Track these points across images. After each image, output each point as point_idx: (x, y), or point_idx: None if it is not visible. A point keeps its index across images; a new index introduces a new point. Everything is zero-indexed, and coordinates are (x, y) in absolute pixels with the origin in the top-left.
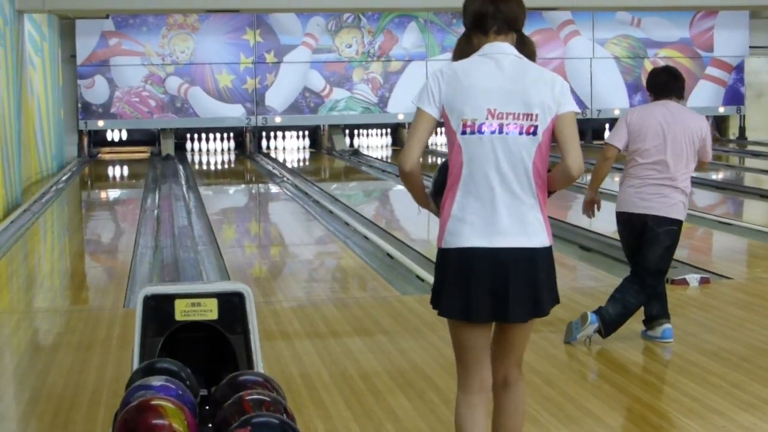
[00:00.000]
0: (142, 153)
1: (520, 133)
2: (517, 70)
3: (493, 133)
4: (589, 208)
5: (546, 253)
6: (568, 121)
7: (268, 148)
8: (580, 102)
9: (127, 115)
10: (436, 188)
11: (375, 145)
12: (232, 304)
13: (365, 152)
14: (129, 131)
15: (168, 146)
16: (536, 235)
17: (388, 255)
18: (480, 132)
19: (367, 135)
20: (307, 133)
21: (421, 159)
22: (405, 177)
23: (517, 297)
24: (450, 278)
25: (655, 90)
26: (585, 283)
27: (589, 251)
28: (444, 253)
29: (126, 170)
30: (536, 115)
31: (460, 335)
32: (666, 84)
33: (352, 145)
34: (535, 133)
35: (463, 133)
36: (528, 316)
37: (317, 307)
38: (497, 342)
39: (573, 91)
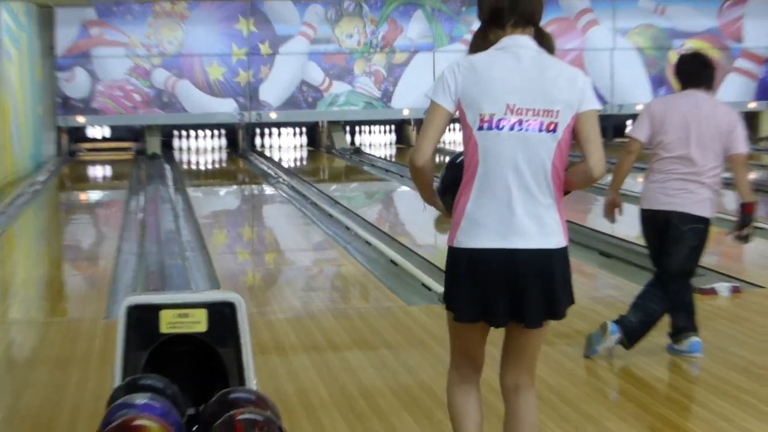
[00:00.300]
0: (125, 151)
1: (540, 130)
2: (538, 64)
3: (511, 129)
4: (611, 211)
5: (562, 253)
6: (590, 119)
7: (262, 146)
8: (599, 97)
9: (110, 110)
10: (444, 185)
11: (378, 142)
12: (222, 315)
13: (367, 151)
14: (112, 128)
15: (154, 144)
16: (553, 236)
17: (392, 262)
18: (498, 128)
19: (370, 132)
20: (304, 130)
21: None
22: (416, 173)
23: (534, 300)
24: (463, 281)
25: (683, 78)
26: (606, 293)
27: (611, 258)
28: (455, 253)
29: (108, 170)
30: (557, 112)
31: (462, 332)
32: (695, 72)
33: (353, 143)
34: (555, 131)
35: (480, 128)
36: (543, 318)
37: (315, 319)
38: (508, 346)
39: (594, 86)
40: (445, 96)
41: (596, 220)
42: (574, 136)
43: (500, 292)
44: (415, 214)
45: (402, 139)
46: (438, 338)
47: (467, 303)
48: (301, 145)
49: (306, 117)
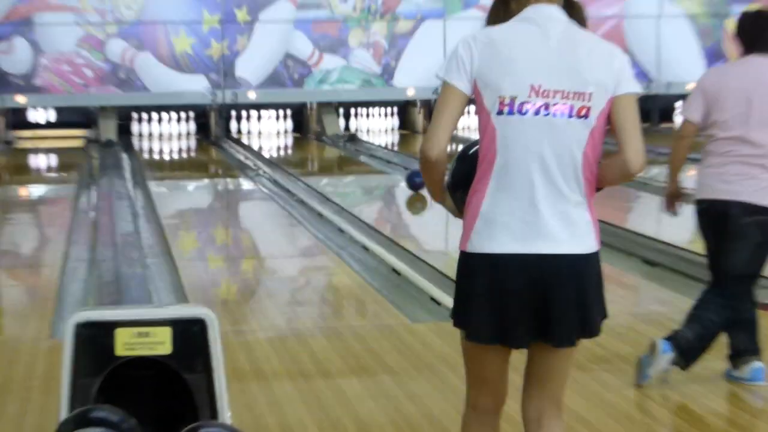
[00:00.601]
0: (75, 138)
1: (570, 116)
2: (568, 39)
3: (536, 113)
4: (672, 203)
5: (594, 259)
6: (628, 104)
7: (239, 132)
8: (642, 74)
9: (56, 88)
10: (454, 179)
11: (377, 128)
12: (190, 335)
13: (365, 138)
14: (58, 110)
15: (109, 129)
16: (584, 240)
17: (395, 271)
18: (521, 112)
19: (368, 115)
20: (289, 113)
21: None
22: (428, 167)
23: (564, 315)
24: (477, 292)
25: (744, 40)
26: (650, 309)
27: (656, 266)
28: (468, 259)
29: (54, 160)
30: (590, 95)
31: (480, 355)
32: (760, 33)
33: (347, 128)
34: (587, 116)
35: (500, 113)
36: (575, 337)
37: (302, 339)
38: (531, 370)
39: (634, 61)
40: (460, 75)
41: (638, 221)
42: (609, 123)
43: (522, 306)
44: (422, 214)
45: (406, 124)
46: (449, 362)
47: (483, 319)
48: (286, 131)
49: (291, 97)
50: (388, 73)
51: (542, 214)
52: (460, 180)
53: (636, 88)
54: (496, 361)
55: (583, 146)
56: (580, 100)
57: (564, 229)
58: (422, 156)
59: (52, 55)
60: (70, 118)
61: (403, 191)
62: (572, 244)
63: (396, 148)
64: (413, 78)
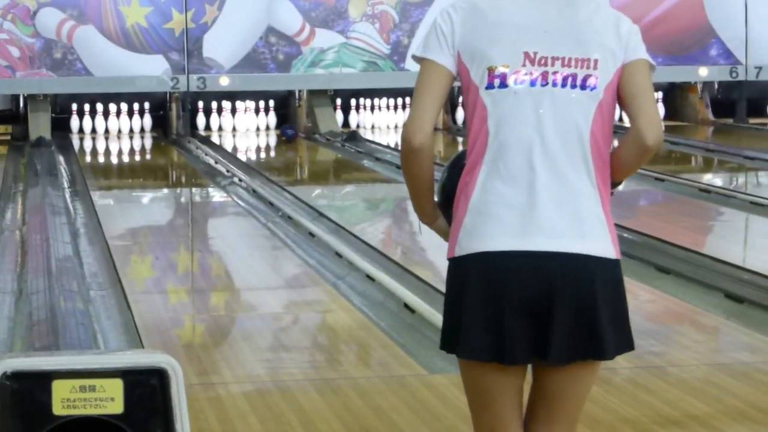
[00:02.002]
0: None
1: (573, 86)
2: (566, 1)
3: (533, 85)
4: None
5: (610, 267)
6: (638, 70)
7: (207, 128)
8: (726, 55)
9: None
10: (445, 194)
11: (384, 124)
12: (146, 389)
13: (368, 136)
14: None
15: (40, 124)
16: (595, 238)
17: (406, 306)
18: (515, 83)
19: (372, 108)
20: (272, 104)
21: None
22: (411, 157)
23: (564, 327)
24: (469, 300)
25: None
26: (734, 356)
27: (742, 303)
28: (457, 264)
29: None
30: (595, 61)
31: (480, 382)
32: None
33: (347, 124)
34: (593, 87)
35: (490, 86)
36: (576, 355)
37: (288, 394)
38: (538, 398)
39: (718, 39)
40: (442, 50)
41: (719, 245)
42: (619, 97)
43: (519, 315)
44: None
45: None
46: None
47: (476, 331)
48: (268, 128)
49: (275, 84)
50: (398, 54)
51: (543, 205)
52: (452, 192)
53: (647, 56)
54: (502, 394)
55: (590, 122)
56: (584, 68)
57: (569, 223)
58: (404, 144)
59: None
60: None
61: None
62: (579, 242)
63: None
64: None
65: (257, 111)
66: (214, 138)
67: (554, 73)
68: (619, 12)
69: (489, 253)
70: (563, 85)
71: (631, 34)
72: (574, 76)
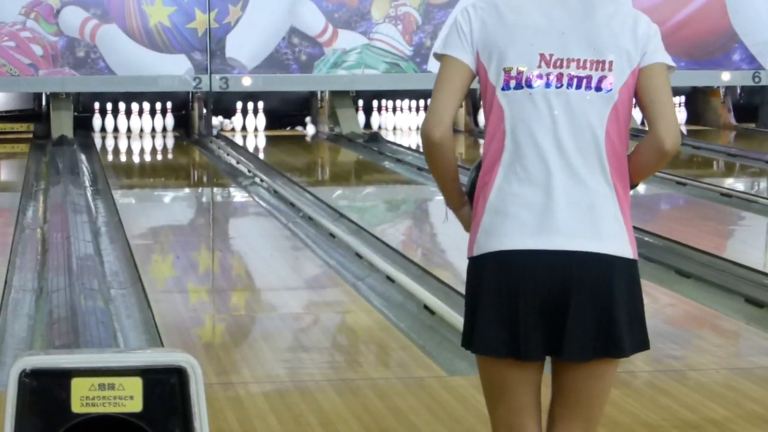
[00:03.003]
0: (18, 133)
1: (588, 88)
2: (583, 2)
3: (548, 86)
4: None
5: (627, 267)
6: (657, 73)
7: (230, 128)
8: (749, 59)
9: None
10: (474, 187)
11: (406, 125)
12: (166, 388)
13: (390, 138)
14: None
15: (63, 123)
16: (612, 238)
17: (426, 308)
18: (529, 86)
19: (394, 109)
20: (294, 104)
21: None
22: (432, 151)
23: (580, 324)
24: (486, 297)
25: None
26: (754, 361)
27: (763, 307)
28: (475, 263)
29: None
30: (610, 63)
31: (496, 378)
32: None
33: (368, 125)
34: (608, 89)
35: (506, 87)
36: (592, 352)
37: (308, 394)
38: (557, 398)
39: (741, 43)
40: (462, 46)
41: (740, 249)
42: (636, 99)
43: (535, 312)
44: (461, 235)
45: None
46: None
47: (491, 326)
48: (290, 127)
49: (297, 85)
50: (420, 56)
51: (560, 205)
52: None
53: (667, 59)
54: (519, 391)
55: (605, 124)
56: (598, 70)
57: (586, 223)
58: (424, 139)
59: None
60: (13, 107)
61: (438, 205)
62: (596, 242)
63: None
64: None
65: (279, 112)
66: (236, 137)
67: (569, 74)
68: (639, 12)
69: (506, 252)
70: (578, 87)
71: (649, 36)
72: (589, 78)
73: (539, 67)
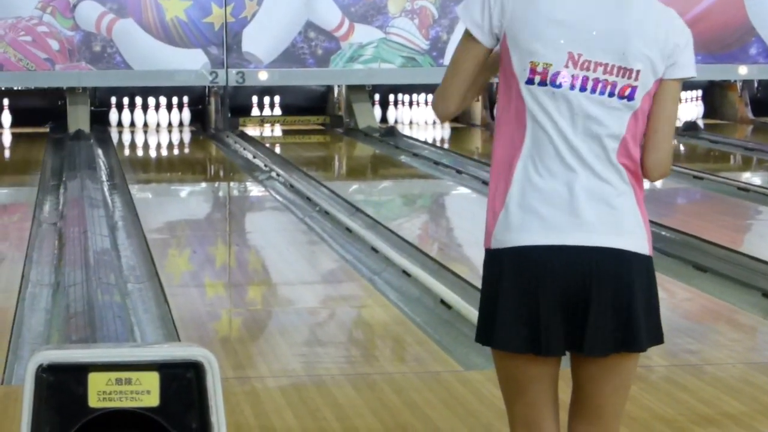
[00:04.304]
0: (35, 128)
1: (611, 95)
2: (618, 2)
3: (572, 88)
4: None
5: (644, 264)
6: (671, 95)
7: (245, 122)
8: (767, 53)
9: (12, 64)
10: None
11: (422, 119)
12: (182, 383)
13: (407, 132)
14: (14, 93)
15: (79, 117)
16: (632, 235)
17: (443, 302)
18: (554, 84)
19: (411, 103)
20: (311, 99)
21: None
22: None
23: (601, 319)
24: (506, 292)
25: None
26: None
27: None
28: (493, 257)
29: (8, 155)
30: (636, 73)
31: (514, 373)
32: None
33: (385, 119)
34: (631, 97)
35: (529, 82)
36: (612, 346)
37: (324, 388)
38: (577, 395)
39: (758, 37)
40: (482, 24)
41: (757, 243)
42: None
43: (555, 307)
44: (478, 229)
45: (460, 115)
46: None
47: (511, 322)
48: (307, 122)
49: (313, 79)
50: (437, 50)
51: (581, 201)
52: None
53: (691, 71)
54: (534, 379)
55: (623, 130)
56: (624, 77)
57: (607, 219)
58: (434, 111)
59: (6, 22)
60: (30, 102)
61: (454, 200)
62: (616, 237)
63: (446, 146)
64: None
65: (295, 106)
66: (253, 131)
67: (595, 78)
68: (673, 12)
69: (525, 248)
70: (601, 93)
71: (679, 47)
72: (614, 85)
73: (566, 66)
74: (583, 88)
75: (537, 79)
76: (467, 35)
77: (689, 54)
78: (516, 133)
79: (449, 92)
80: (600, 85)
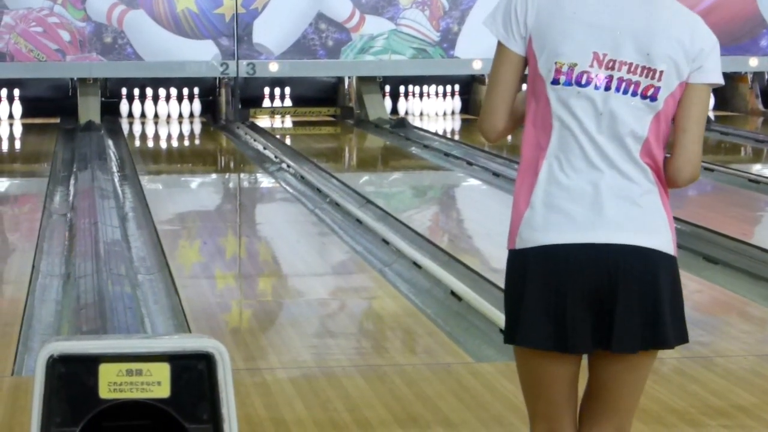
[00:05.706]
0: (46, 119)
1: (634, 94)
2: (645, 3)
3: (597, 88)
4: None
5: (670, 263)
6: (700, 98)
7: (256, 114)
8: None
9: (23, 55)
10: None
11: (433, 111)
12: (193, 374)
13: (417, 123)
14: (25, 83)
15: (90, 108)
16: (657, 234)
17: (453, 294)
18: (579, 83)
19: (421, 95)
20: (321, 90)
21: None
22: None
23: (629, 316)
24: (531, 290)
25: None
26: None
27: None
28: (518, 256)
29: (19, 147)
30: (660, 74)
31: (537, 371)
32: None
33: (395, 111)
34: (654, 98)
35: (555, 82)
36: (642, 344)
37: (334, 380)
38: (594, 391)
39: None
40: (513, 33)
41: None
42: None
43: (583, 305)
44: (488, 221)
45: (470, 107)
46: (522, 412)
47: (536, 319)
48: (317, 113)
49: (324, 71)
50: (448, 42)
51: (607, 200)
52: None
53: (718, 78)
54: (556, 376)
55: (646, 130)
56: (648, 77)
57: (633, 217)
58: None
59: (18, 12)
60: (41, 93)
61: (465, 191)
62: (642, 235)
63: (457, 137)
64: (481, 47)
65: (306, 98)
66: (263, 122)
67: (619, 78)
68: (699, 19)
69: (551, 246)
70: (624, 92)
71: (704, 52)
72: (637, 85)
73: (591, 66)
74: (607, 88)
75: (562, 79)
76: (500, 46)
77: (715, 60)
78: (542, 133)
79: (493, 106)
80: (624, 84)
